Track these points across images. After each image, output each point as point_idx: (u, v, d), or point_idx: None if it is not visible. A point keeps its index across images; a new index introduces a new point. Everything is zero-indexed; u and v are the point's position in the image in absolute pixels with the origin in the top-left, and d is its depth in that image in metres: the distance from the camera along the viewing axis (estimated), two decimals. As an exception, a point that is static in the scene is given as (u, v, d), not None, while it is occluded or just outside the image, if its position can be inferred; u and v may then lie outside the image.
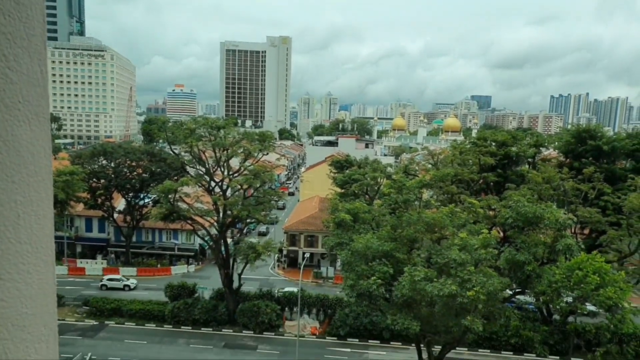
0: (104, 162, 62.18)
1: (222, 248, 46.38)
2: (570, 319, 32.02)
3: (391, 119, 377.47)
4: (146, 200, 62.19)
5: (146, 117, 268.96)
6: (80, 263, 62.44)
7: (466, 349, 40.94)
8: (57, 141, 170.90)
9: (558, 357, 39.37)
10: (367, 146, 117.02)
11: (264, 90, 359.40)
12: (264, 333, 44.20)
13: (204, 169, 46.97)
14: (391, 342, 41.89)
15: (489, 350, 41.61)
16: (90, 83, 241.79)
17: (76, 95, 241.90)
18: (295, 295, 45.15)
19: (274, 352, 41.03)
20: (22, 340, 1.60)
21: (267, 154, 48.55)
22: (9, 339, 1.55)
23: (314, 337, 44.15)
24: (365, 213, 33.57)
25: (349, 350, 41.76)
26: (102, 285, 54.34)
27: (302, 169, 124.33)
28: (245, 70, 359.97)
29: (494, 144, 60.83)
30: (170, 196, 43.14)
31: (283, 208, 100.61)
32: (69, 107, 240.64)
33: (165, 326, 45.31)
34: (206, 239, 49.71)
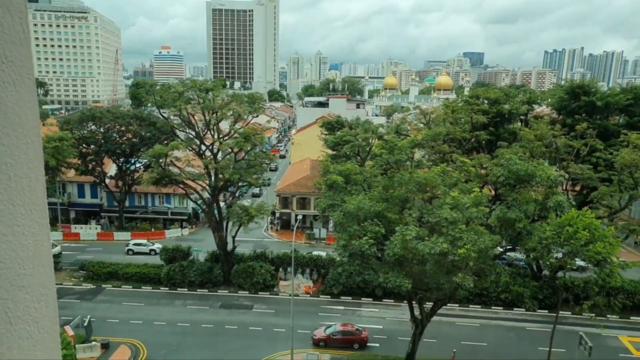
0: (93, 127, 61.25)
1: (215, 211, 46.44)
2: (560, 274, 32.65)
3: (382, 78, 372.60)
4: (137, 165, 61.79)
5: (133, 81, 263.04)
6: (75, 228, 62.61)
7: (457, 305, 41.94)
8: (44, 107, 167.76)
9: (547, 311, 40.53)
10: (358, 106, 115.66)
11: (252, 50, 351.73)
12: (259, 293, 44.94)
13: (193, 133, 46.38)
14: (383, 300, 42.78)
15: (479, 306, 42.72)
16: (74, 47, 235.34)
17: (61, 60, 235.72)
18: (289, 256, 45.67)
19: (269, 311, 41.85)
20: (22, 300, 1.65)
21: (257, 116, 47.85)
22: (9, 298, 1.61)
23: (308, 296, 44.98)
24: (357, 174, 33.43)
25: (342, 308, 42.68)
26: (129, 250, 54.52)
27: (293, 131, 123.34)
28: (232, 30, 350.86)
29: (486, 101, 60.35)
30: (161, 160, 42.79)
31: (275, 170, 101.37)
32: (54, 72, 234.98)
33: (161, 288, 45.90)
34: (199, 202, 49.67)
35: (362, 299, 43.93)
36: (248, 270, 45.33)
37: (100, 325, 37.37)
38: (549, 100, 67.89)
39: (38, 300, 1.72)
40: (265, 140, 59.64)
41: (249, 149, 46.07)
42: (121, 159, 60.95)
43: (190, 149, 45.24)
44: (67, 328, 32.37)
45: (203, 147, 45.86)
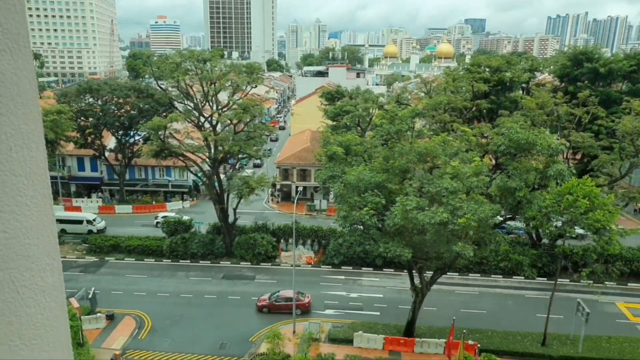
0: (91, 100, 60.77)
1: (216, 184, 46.48)
2: (559, 242, 32.93)
3: (383, 46, 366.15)
4: (136, 138, 61.53)
5: (130, 52, 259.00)
6: (76, 202, 62.81)
7: (457, 273, 42.50)
8: (40, 79, 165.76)
9: (545, 279, 41.06)
10: (358, 75, 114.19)
11: (249, 19, 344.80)
12: (261, 264, 45.46)
13: (192, 104, 45.96)
14: (384, 269, 43.32)
15: (479, 275, 43.25)
16: (69, 17, 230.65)
17: (55, 30, 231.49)
18: (290, 227, 45.96)
19: (271, 281, 42.42)
20: (27, 269, 1.68)
21: (256, 86, 47.29)
22: (14, 268, 1.63)
23: (310, 266, 45.51)
24: (357, 145, 33.29)
25: (343, 277, 43.24)
26: (158, 222, 54.12)
27: (292, 102, 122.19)
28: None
29: (487, 69, 59.49)
30: (160, 133, 42.54)
31: (276, 140, 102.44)
32: (49, 43, 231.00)
33: (164, 260, 46.42)
34: (199, 175, 49.67)
35: (363, 268, 44.45)
36: (250, 242, 45.71)
37: (104, 297, 37.91)
38: (551, 67, 66.91)
39: (44, 270, 1.74)
40: (265, 111, 59.10)
41: (248, 120, 45.71)
42: (120, 132, 60.63)
43: (189, 120, 44.89)
44: (72, 300, 32.83)
45: (202, 119, 45.51)
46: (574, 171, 33.89)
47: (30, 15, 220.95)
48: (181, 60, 44.06)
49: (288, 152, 69.21)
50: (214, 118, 45.42)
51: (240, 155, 48.08)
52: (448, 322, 29.87)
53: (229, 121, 45.32)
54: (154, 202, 63.41)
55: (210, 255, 46.31)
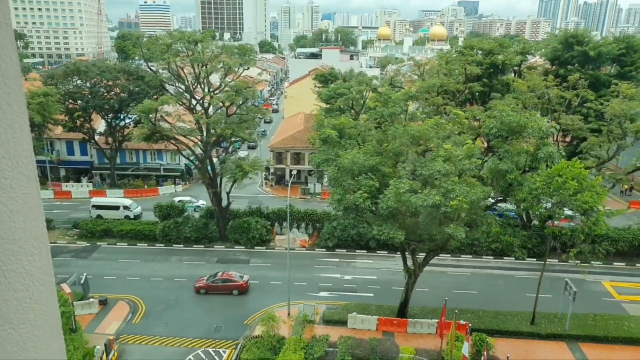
0: (79, 82, 59.84)
1: (209, 167, 46.36)
2: (548, 223, 33.46)
3: (376, 28, 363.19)
4: (127, 121, 60.93)
5: (119, 33, 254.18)
6: (66, 187, 62.38)
7: (449, 255, 43.11)
8: (25, 60, 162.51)
9: (535, 259, 41.80)
10: (351, 58, 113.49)
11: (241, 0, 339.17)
12: (255, 248, 45.71)
13: (183, 87, 45.54)
14: (377, 251, 43.80)
15: (470, 256, 43.92)
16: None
17: (40, 10, 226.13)
18: (284, 211, 46.15)
19: (266, 265, 42.76)
20: (14, 252, 1.64)
21: (248, 68, 46.89)
22: (1, 252, 1.59)
23: (304, 249, 45.87)
24: (351, 128, 33.32)
25: (337, 260, 43.68)
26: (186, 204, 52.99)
27: (285, 84, 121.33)
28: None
29: (480, 52, 59.51)
30: (151, 116, 42.18)
31: (270, 122, 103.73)
32: (34, 23, 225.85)
33: (157, 245, 46.48)
34: (191, 158, 49.46)
35: (357, 251, 44.90)
36: (244, 226, 45.85)
37: (97, 283, 37.92)
38: (543, 50, 67.05)
39: (31, 254, 1.71)
40: (257, 93, 58.76)
41: (240, 102, 45.44)
42: (110, 115, 59.97)
43: (181, 103, 44.53)
44: (64, 286, 32.71)
45: (193, 102, 45.17)
46: (563, 153, 34.24)
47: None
48: (172, 42, 43.49)
49: (282, 135, 69.01)
50: (205, 100, 45.07)
51: (233, 139, 47.90)
52: (440, 303, 30.43)
53: (221, 104, 45.02)
54: (146, 186, 63.18)
55: (204, 239, 46.42)
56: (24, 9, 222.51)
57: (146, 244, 46.68)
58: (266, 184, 65.96)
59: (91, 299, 35.32)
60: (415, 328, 32.48)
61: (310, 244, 46.54)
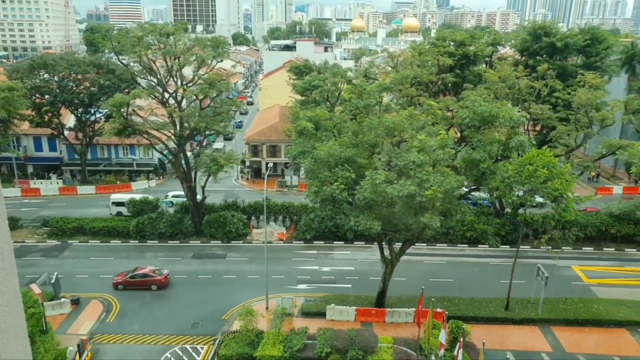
0: (46, 76, 57.98)
1: (183, 161, 45.69)
2: (520, 211, 34.21)
3: (350, 20, 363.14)
4: (98, 116, 59.52)
5: (87, 25, 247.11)
6: (34, 184, 60.59)
7: (425, 244, 43.72)
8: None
9: (508, 247, 42.75)
10: (326, 50, 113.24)
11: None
12: (232, 242, 45.36)
13: (155, 80, 44.60)
14: (355, 242, 44.07)
15: (446, 244, 44.62)
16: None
17: (3, 1, 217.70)
18: (261, 204, 45.89)
19: (243, 259, 42.49)
20: None
21: (222, 61, 46.23)
22: None
23: (282, 242, 45.77)
24: (327, 120, 33.27)
25: (315, 252, 43.76)
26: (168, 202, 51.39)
27: (260, 77, 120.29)
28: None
29: (452, 43, 60.21)
30: (122, 110, 41.20)
31: (246, 113, 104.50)
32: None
33: (131, 242, 45.65)
34: (165, 152, 48.65)
35: (334, 242, 45.07)
36: (220, 220, 45.43)
37: (68, 282, 36.97)
38: (513, 41, 68.38)
39: None
40: (231, 86, 58.01)
41: (214, 95, 44.82)
42: (80, 110, 58.39)
43: (153, 97, 43.66)
44: (33, 286, 31.55)
45: (166, 95, 44.31)
46: (534, 142, 35.12)
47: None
48: (143, 34, 42.52)
49: (257, 128, 68.44)
50: (178, 94, 44.29)
51: (207, 132, 47.26)
52: (417, 292, 30.84)
53: (194, 97, 44.33)
54: (118, 182, 61.89)
55: (179, 234, 45.83)
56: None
57: (120, 241, 45.80)
58: (242, 177, 65.45)
59: (62, 299, 34.43)
60: (393, 317, 32.87)
61: (287, 237, 46.47)
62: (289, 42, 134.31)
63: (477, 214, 44.47)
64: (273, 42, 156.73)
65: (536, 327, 32.61)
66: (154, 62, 43.91)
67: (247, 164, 64.68)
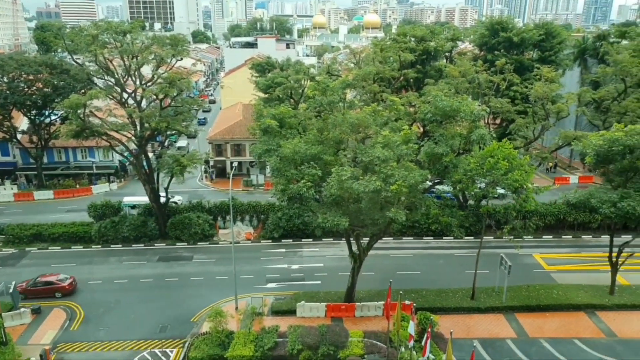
0: (-6, 77, 55.17)
1: (144, 163, 44.56)
2: (483, 202, 35.12)
3: (311, 16, 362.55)
4: (53, 118, 57.22)
5: (37, 23, 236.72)
6: (-14, 190, 57.72)
7: (392, 238, 44.31)
8: None
9: (472, 238, 43.82)
10: (288, 46, 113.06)
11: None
12: (198, 243, 44.63)
13: (113, 80, 43.19)
14: (323, 239, 44.16)
15: (412, 238, 45.36)
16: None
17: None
18: (227, 204, 45.28)
19: (210, 260, 41.88)
20: None
21: (181, 59, 45.20)
22: None
23: (249, 242, 45.37)
24: (291, 118, 33.09)
25: (283, 250, 43.60)
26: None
27: (221, 74, 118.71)
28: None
29: (413, 39, 61.05)
30: (79, 111, 39.77)
31: (209, 110, 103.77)
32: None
33: (93, 247, 44.23)
34: (125, 154, 47.28)
35: (303, 240, 45.02)
36: (185, 222, 44.61)
37: (29, 289, 35.54)
38: (471, 37, 70.07)
39: None
40: (192, 84, 56.98)
41: (175, 94, 43.83)
42: (33, 112, 55.97)
43: (111, 97, 42.29)
44: (-10, 297, 30.40)
45: (125, 95, 43.01)
46: (494, 135, 36.05)
47: None
48: (98, 33, 41.08)
49: (220, 126, 67.47)
50: (138, 94, 43.09)
51: (168, 132, 46.23)
52: (385, 285, 31.19)
53: (154, 96, 43.22)
54: (77, 186, 59.79)
55: (144, 237, 44.72)
56: None
57: (81, 247, 44.28)
58: (206, 177, 64.45)
59: (22, 309, 33.04)
60: (363, 311, 33.17)
61: (255, 236, 46.10)
62: (250, 39, 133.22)
63: (441, 207, 44.97)
64: (234, 39, 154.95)
65: (501, 314, 33.61)
66: (111, 62, 42.56)
67: (212, 163, 63.72)
